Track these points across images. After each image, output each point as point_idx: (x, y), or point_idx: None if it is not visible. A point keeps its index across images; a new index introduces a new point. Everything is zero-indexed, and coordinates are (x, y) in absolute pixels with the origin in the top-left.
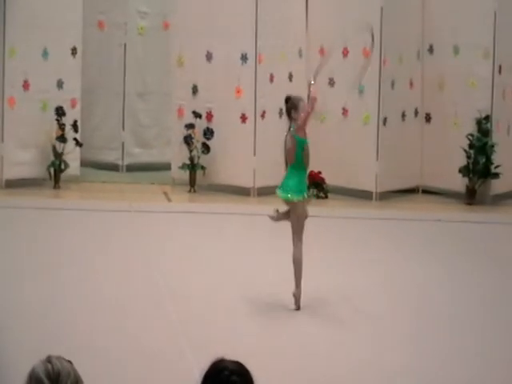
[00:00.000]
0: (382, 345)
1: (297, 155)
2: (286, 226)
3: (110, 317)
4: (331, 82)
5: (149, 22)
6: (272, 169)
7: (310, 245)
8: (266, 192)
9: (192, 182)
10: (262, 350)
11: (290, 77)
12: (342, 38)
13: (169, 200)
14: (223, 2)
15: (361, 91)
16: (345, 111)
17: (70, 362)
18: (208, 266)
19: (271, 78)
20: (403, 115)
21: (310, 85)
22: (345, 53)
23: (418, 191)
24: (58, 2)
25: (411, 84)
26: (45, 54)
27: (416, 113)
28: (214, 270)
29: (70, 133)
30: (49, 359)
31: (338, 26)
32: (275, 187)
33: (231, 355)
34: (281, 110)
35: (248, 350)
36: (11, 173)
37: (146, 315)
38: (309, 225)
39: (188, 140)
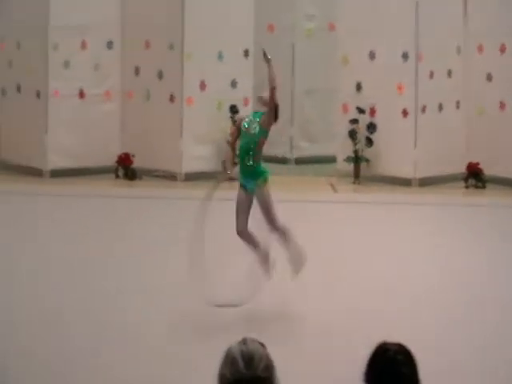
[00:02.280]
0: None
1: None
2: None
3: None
4: (489, 77)
5: (315, 23)
6: (432, 160)
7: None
8: (427, 182)
9: (356, 174)
10: None
11: (449, 73)
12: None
13: (335, 191)
14: (386, 2)
15: None
16: (502, 105)
17: (263, 345)
18: (376, 253)
19: (431, 75)
20: None
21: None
22: (502, 49)
23: None
24: (231, 8)
25: None
26: (220, 56)
27: None
28: (383, 258)
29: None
30: (244, 341)
31: (496, 23)
32: (435, 178)
33: None
34: (440, 104)
35: None
36: (190, 166)
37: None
38: (466, 214)
39: (352, 134)
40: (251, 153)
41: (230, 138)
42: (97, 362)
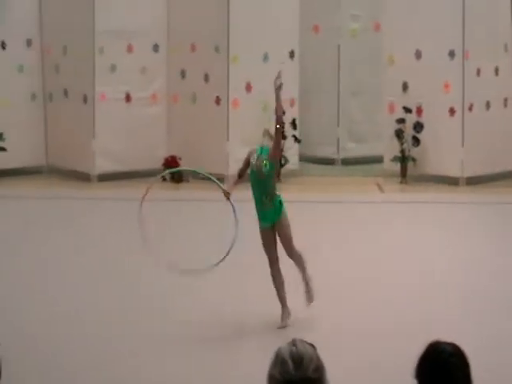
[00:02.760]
0: None
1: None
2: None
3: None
4: None
5: (360, 24)
6: (480, 159)
7: None
8: (474, 181)
9: (403, 174)
10: None
11: (497, 71)
12: None
13: (382, 191)
14: (431, 0)
15: None
16: None
17: (313, 346)
18: (424, 252)
19: (478, 73)
20: None
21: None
22: None
23: None
24: (277, 9)
25: None
26: (265, 58)
27: None
28: (431, 257)
29: (289, 130)
30: (294, 342)
31: None
32: (484, 177)
33: None
34: (488, 102)
35: None
36: (236, 168)
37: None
38: None
39: (399, 134)
40: (266, 195)
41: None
42: (126, 363)
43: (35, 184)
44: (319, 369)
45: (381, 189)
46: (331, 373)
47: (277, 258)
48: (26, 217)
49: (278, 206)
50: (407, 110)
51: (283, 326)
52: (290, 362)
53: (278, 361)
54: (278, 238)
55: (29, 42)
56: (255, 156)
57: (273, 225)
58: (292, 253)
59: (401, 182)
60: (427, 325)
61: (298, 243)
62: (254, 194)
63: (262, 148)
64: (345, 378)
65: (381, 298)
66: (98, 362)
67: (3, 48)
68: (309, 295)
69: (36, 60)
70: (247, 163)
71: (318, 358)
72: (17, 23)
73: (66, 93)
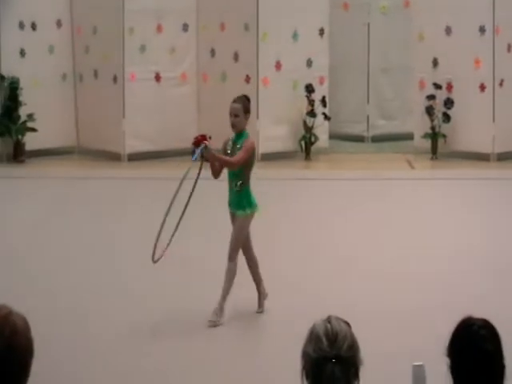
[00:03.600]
0: None
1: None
2: None
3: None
4: None
5: (390, 1)
6: (511, 134)
7: None
8: (505, 157)
9: (434, 150)
10: None
11: None
12: None
13: (412, 167)
14: None
15: None
16: None
17: (348, 323)
18: (457, 228)
19: (508, 48)
20: None
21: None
22: None
23: None
24: None
25: None
26: (295, 35)
27: None
28: (464, 234)
29: (319, 108)
30: (329, 319)
31: None
32: None
33: None
34: None
35: None
36: (266, 147)
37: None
38: None
39: (429, 110)
40: (237, 183)
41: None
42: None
43: (66, 164)
44: (353, 347)
45: (411, 165)
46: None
47: (248, 247)
48: (57, 197)
49: (246, 200)
50: (437, 87)
51: (260, 311)
52: (324, 339)
53: (313, 338)
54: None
55: (59, 23)
56: (230, 144)
57: (233, 214)
58: (230, 255)
59: (431, 159)
60: (460, 300)
61: (329, 220)
62: (228, 178)
63: (237, 136)
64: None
65: (415, 274)
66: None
67: (34, 29)
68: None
69: (66, 41)
70: (224, 153)
71: (352, 336)
72: (47, 4)
73: (95, 73)
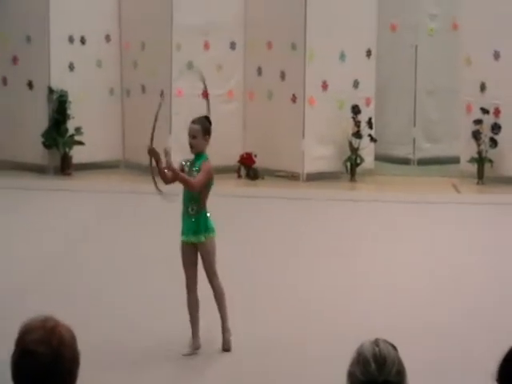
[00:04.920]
0: None
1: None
2: None
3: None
4: None
5: (438, 23)
6: None
7: None
8: None
9: (480, 175)
10: None
11: None
12: None
13: (458, 191)
14: (510, 1)
15: None
16: None
17: (394, 347)
18: (502, 254)
19: None
20: None
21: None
22: None
23: None
24: (354, 7)
25: None
26: (342, 56)
27: None
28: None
29: (365, 129)
30: (377, 342)
31: None
32: None
33: None
34: None
35: None
36: (311, 167)
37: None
38: None
39: (476, 135)
40: (192, 207)
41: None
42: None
43: (112, 178)
44: (401, 372)
45: (457, 189)
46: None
47: (195, 283)
48: (101, 211)
49: (204, 225)
50: (485, 111)
51: (188, 354)
52: (372, 363)
53: (360, 360)
54: (201, 262)
55: (108, 38)
56: (188, 164)
57: (195, 244)
58: (212, 282)
59: (477, 183)
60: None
61: (372, 243)
62: (183, 203)
63: (195, 158)
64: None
65: (462, 299)
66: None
67: (83, 43)
68: (225, 341)
69: (114, 55)
70: (182, 170)
71: (400, 361)
72: (96, 19)
73: (143, 88)
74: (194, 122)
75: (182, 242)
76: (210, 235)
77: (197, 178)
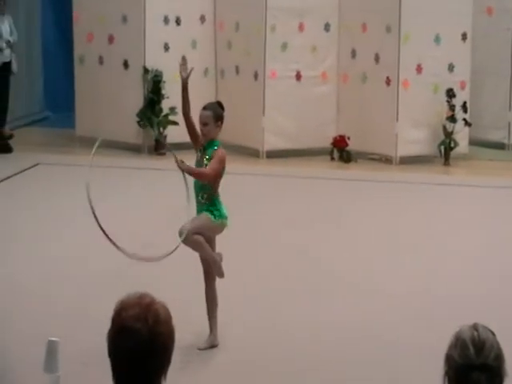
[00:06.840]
0: None
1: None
2: None
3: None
4: None
5: None
6: None
7: None
8: None
9: None
10: None
11: None
12: None
13: None
14: None
15: None
16: None
17: (493, 333)
18: None
19: None
20: None
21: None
22: None
23: None
24: None
25: None
26: (437, 39)
27: None
28: None
29: (459, 113)
30: (475, 326)
31: None
32: None
33: None
34: None
35: None
36: (405, 150)
37: None
38: None
39: None
40: (203, 196)
41: None
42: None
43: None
44: (500, 356)
45: None
46: None
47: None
48: None
49: (217, 212)
50: None
51: (203, 348)
52: (471, 347)
53: (458, 343)
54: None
55: (202, 18)
56: (198, 153)
57: None
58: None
59: None
60: None
61: (466, 229)
62: (194, 191)
63: (207, 145)
64: None
65: None
66: None
67: (178, 24)
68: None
69: (209, 36)
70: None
71: (498, 346)
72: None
73: (237, 69)
74: (205, 107)
75: None
76: (220, 219)
77: (209, 167)
